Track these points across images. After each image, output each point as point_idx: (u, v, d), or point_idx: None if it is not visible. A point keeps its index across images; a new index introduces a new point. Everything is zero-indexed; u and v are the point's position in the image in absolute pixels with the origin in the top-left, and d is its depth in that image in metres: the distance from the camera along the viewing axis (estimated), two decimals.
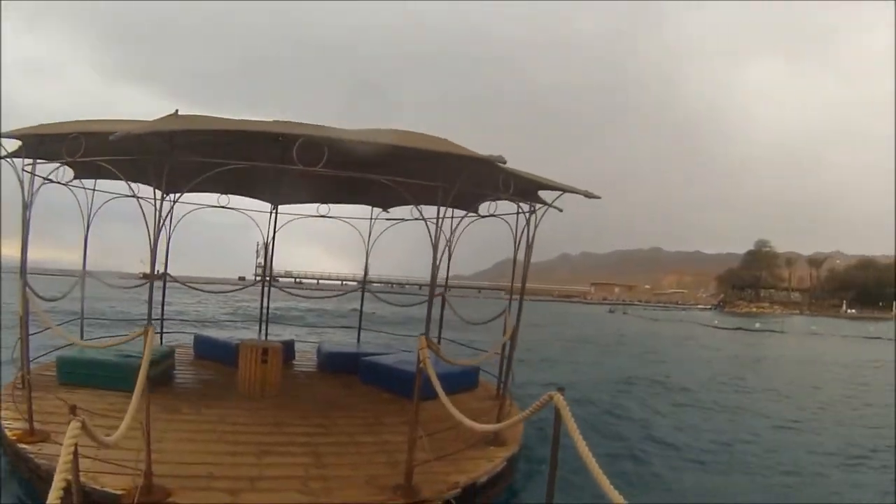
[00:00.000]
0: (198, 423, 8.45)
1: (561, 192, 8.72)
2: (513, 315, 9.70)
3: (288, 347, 13.40)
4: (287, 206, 15.01)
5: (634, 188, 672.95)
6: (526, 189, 8.60)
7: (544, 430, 12.28)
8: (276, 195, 14.56)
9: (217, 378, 11.47)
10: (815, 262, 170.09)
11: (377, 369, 11.63)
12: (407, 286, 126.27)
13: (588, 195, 8.67)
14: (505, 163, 6.40)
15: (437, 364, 12.12)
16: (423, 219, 12.68)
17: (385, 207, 14.48)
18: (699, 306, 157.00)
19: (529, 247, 9.52)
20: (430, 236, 11.59)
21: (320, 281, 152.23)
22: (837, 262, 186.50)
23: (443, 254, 12.56)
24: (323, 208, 14.06)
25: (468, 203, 10.39)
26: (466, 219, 11.11)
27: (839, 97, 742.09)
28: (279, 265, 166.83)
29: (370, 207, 14.69)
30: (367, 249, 15.10)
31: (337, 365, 12.86)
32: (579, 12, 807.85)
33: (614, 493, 3.72)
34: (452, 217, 11.79)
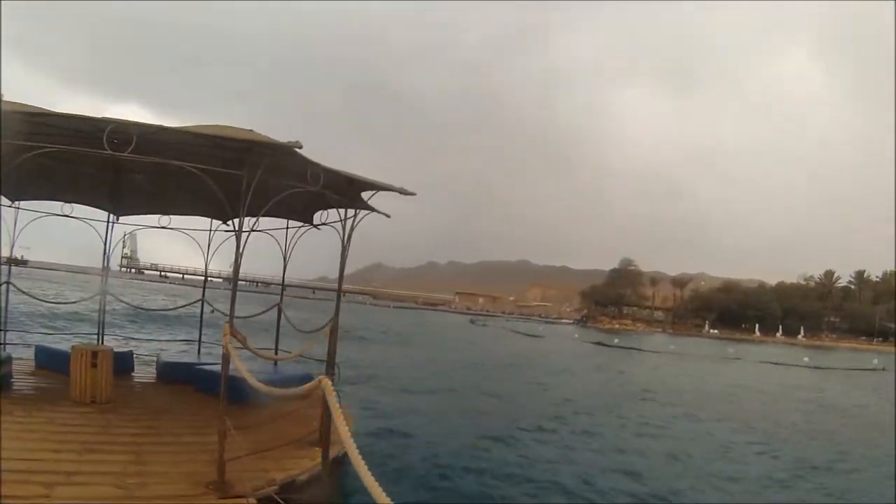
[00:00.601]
0: (26, 424, 8.51)
1: (374, 192, 9.19)
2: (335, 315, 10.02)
3: (126, 358, 13.44)
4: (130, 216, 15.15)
5: (505, 201, 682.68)
6: (344, 189, 9.03)
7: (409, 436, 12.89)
8: (118, 205, 14.56)
9: (54, 385, 11.33)
10: (679, 282, 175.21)
11: (210, 378, 11.74)
12: (272, 286, 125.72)
13: (403, 192, 9.11)
14: (300, 147, 6.76)
15: (273, 370, 12.54)
16: (262, 230, 13.12)
17: (224, 219, 14.64)
18: (563, 320, 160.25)
19: (345, 249, 9.88)
20: (281, 246, 12.03)
21: (185, 276, 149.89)
22: (702, 283, 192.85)
23: (288, 260, 13.08)
24: (164, 219, 14.27)
25: (301, 213, 10.73)
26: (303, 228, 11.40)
27: (709, 133, 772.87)
28: (146, 257, 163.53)
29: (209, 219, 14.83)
30: (206, 261, 15.24)
31: (173, 375, 12.85)
32: (464, 20, 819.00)
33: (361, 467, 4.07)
34: (287, 228, 12.33)
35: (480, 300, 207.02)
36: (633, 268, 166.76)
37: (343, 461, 9.21)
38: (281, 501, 6.88)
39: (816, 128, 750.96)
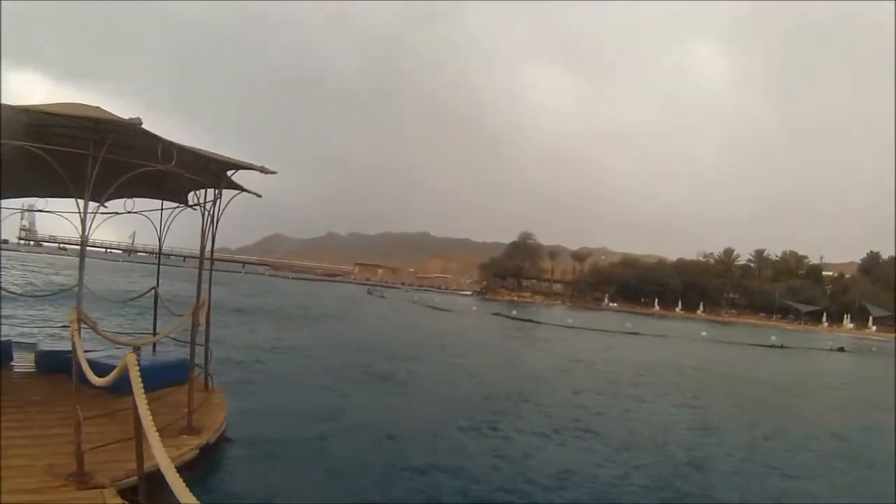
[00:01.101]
0: None
1: (235, 170, 9.30)
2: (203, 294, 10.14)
3: (2, 348, 13.07)
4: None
5: (408, 174, 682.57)
6: (205, 168, 9.17)
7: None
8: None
9: None
10: (579, 256, 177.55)
11: (91, 367, 11.66)
12: (172, 257, 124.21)
13: (264, 171, 9.25)
14: (140, 123, 6.81)
15: (151, 356, 12.49)
16: (138, 212, 13.06)
17: (101, 201, 14.46)
18: (463, 292, 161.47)
19: (213, 228, 10.18)
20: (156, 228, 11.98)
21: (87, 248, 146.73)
22: (602, 257, 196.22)
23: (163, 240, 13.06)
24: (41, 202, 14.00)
25: (176, 194, 10.67)
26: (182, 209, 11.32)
27: (619, 106, 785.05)
28: (44, 229, 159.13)
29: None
30: (85, 238, 15.01)
31: (53, 365, 12.41)
32: None
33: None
34: (162, 209, 12.30)
35: (380, 271, 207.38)
36: (531, 241, 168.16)
37: (216, 448, 9.32)
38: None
39: (720, 113, 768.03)
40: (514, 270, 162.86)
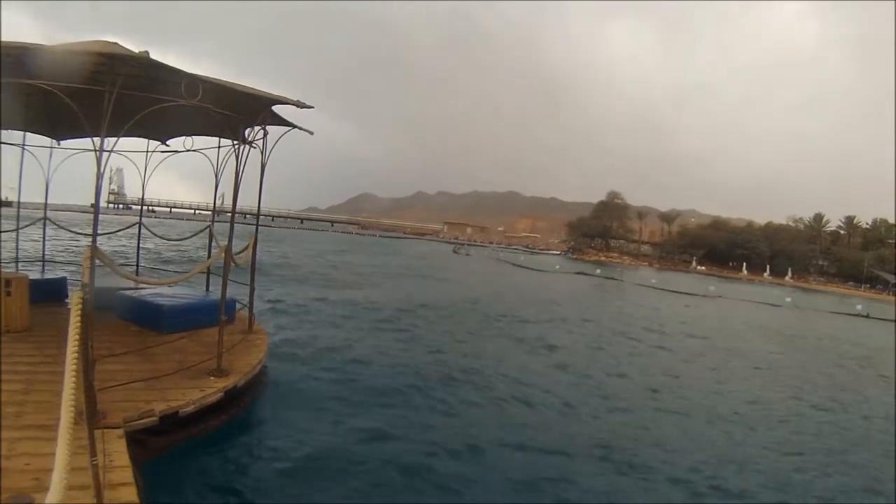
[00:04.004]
0: None
1: (270, 104, 9.15)
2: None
3: (55, 285, 13.31)
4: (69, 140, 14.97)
5: (497, 136, 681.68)
6: (239, 103, 8.99)
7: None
8: (54, 129, 14.41)
9: None
10: (667, 217, 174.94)
11: (130, 303, 11.69)
12: (248, 216, 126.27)
13: (299, 105, 9.04)
14: (148, 56, 6.63)
15: (201, 296, 12.47)
16: (195, 150, 13.02)
17: (162, 139, 14.48)
18: (550, 251, 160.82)
19: (263, 162, 9.98)
20: (213, 165, 11.91)
21: (173, 209, 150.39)
22: (692, 219, 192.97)
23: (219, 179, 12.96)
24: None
25: (231, 131, 10.43)
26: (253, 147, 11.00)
27: (701, 62, 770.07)
28: (131, 192, 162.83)
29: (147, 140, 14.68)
30: (144, 182, 15.12)
31: (100, 302, 12.63)
32: None
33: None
34: (220, 147, 12.20)
35: (469, 230, 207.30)
36: (619, 201, 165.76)
37: (243, 392, 9.22)
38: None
39: (810, 76, 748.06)
40: (601, 230, 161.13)
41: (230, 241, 9.50)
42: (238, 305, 12.34)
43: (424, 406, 11.37)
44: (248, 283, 11.96)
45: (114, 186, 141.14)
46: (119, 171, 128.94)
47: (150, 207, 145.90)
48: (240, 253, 10.57)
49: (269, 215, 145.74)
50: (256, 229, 11.41)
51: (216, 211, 15.11)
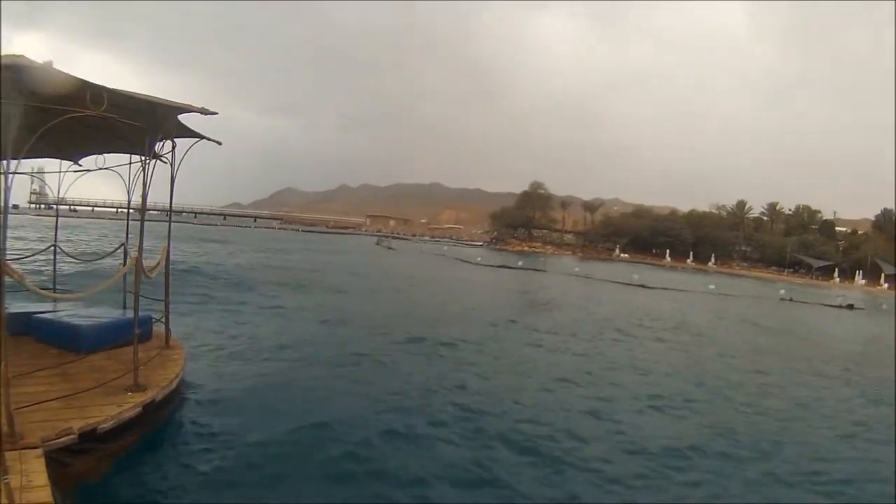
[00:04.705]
0: None
1: (178, 113, 9.26)
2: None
3: None
4: None
5: (420, 126, 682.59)
6: (146, 112, 8.97)
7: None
8: None
9: None
10: (590, 206, 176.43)
11: (47, 326, 11.54)
12: (183, 213, 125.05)
13: (204, 112, 9.18)
14: (51, 64, 6.63)
15: (106, 315, 12.47)
16: (107, 168, 13.07)
17: (74, 159, 14.34)
18: (474, 242, 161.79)
19: (172, 180, 10.18)
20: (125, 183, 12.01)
21: (95, 209, 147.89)
22: (615, 208, 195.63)
23: (131, 194, 13.01)
24: None
25: (140, 146, 10.45)
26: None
27: (629, 52, 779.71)
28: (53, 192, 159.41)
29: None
30: (58, 198, 15.02)
31: (13, 327, 12.40)
32: None
33: None
34: (130, 163, 12.28)
35: (392, 223, 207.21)
36: (542, 191, 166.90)
37: (161, 406, 9.35)
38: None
39: (733, 64, 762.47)
40: (524, 220, 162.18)
41: (140, 258, 9.59)
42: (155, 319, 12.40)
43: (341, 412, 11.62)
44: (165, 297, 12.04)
45: (35, 186, 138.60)
46: (41, 169, 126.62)
47: (72, 207, 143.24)
48: (153, 268, 10.66)
49: (192, 212, 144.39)
50: (168, 242, 11.49)
51: (132, 219, 15.01)
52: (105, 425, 7.73)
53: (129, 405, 8.26)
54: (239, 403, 11.14)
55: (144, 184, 9.69)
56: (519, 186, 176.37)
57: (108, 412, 7.91)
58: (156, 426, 9.12)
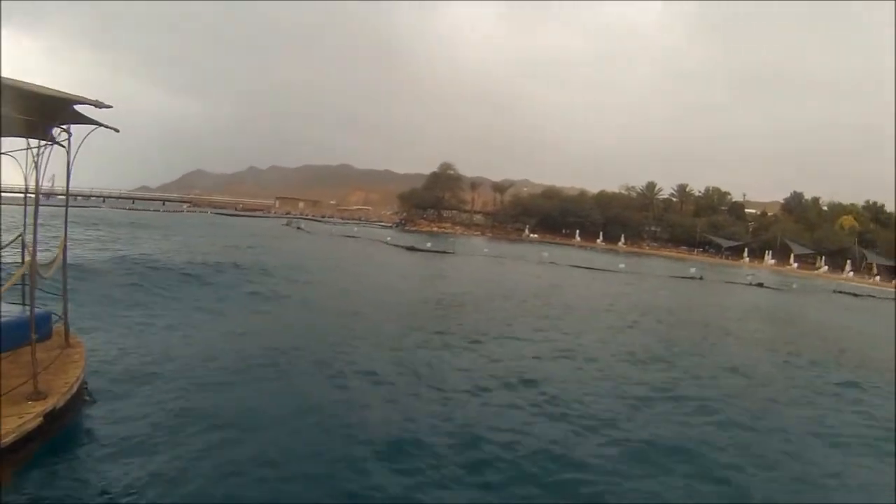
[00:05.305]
0: None
1: (71, 105, 9.12)
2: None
3: None
4: None
5: (330, 107, 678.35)
6: (38, 104, 8.87)
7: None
8: None
9: None
10: (499, 187, 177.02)
11: None
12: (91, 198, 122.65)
13: (98, 105, 9.07)
14: None
15: (10, 314, 12.12)
16: (5, 153, 12.73)
17: None
18: (383, 223, 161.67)
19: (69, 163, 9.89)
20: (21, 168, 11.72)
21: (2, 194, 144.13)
22: (525, 189, 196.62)
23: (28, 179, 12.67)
24: None
25: (36, 130, 10.25)
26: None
27: (546, 40, 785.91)
28: None
29: None
30: None
31: None
32: None
33: None
34: (28, 148, 11.93)
35: (301, 205, 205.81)
36: (452, 171, 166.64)
37: (63, 413, 9.13)
38: None
39: (643, 50, 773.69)
40: (433, 201, 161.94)
41: (34, 254, 9.40)
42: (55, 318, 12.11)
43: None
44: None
45: None
46: None
47: None
48: (48, 264, 10.45)
49: (101, 196, 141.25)
50: (65, 237, 11.24)
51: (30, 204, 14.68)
52: (7, 440, 7.52)
53: (30, 415, 8.08)
54: (142, 408, 10.98)
55: (37, 167, 9.52)
56: (429, 168, 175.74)
57: (9, 425, 7.70)
58: (56, 434, 8.87)
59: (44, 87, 8.35)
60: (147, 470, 8.67)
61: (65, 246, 11.23)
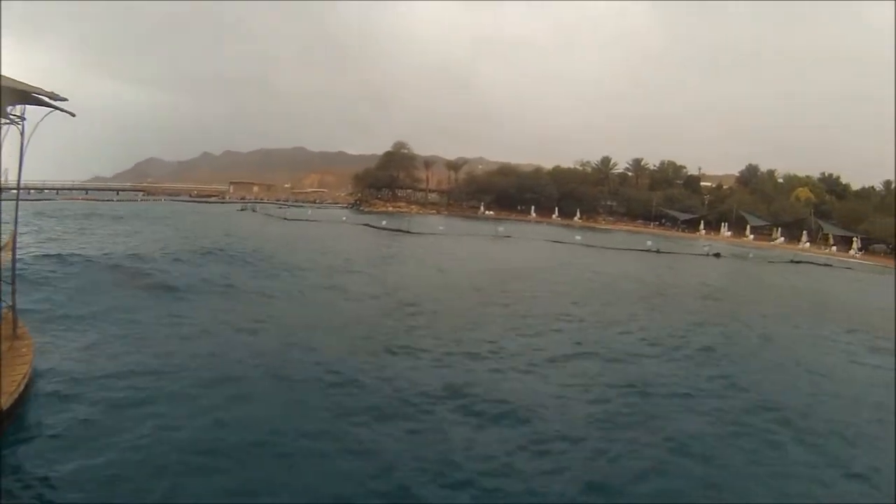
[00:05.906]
0: None
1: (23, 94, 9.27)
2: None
3: None
4: None
5: (282, 90, 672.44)
6: None
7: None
8: None
9: None
10: (454, 165, 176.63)
11: None
12: (45, 191, 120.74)
13: (53, 97, 9.23)
14: None
15: None
16: None
17: None
18: (339, 205, 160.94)
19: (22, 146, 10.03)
20: None
21: None
22: (480, 167, 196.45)
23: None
24: None
25: None
26: None
27: (501, 17, 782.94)
28: None
29: None
30: None
31: None
32: None
33: None
34: None
35: (255, 189, 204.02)
36: (406, 150, 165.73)
37: (10, 411, 9.13)
38: None
39: (600, 29, 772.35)
40: (388, 181, 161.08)
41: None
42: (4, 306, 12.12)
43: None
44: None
45: None
46: None
47: None
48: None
49: (54, 189, 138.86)
50: (16, 223, 11.35)
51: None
52: None
53: None
54: (92, 400, 10.95)
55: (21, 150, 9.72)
56: (382, 148, 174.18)
57: None
58: (2, 433, 8.84)
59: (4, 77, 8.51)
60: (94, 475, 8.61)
61: (15, 235, 11.33)
